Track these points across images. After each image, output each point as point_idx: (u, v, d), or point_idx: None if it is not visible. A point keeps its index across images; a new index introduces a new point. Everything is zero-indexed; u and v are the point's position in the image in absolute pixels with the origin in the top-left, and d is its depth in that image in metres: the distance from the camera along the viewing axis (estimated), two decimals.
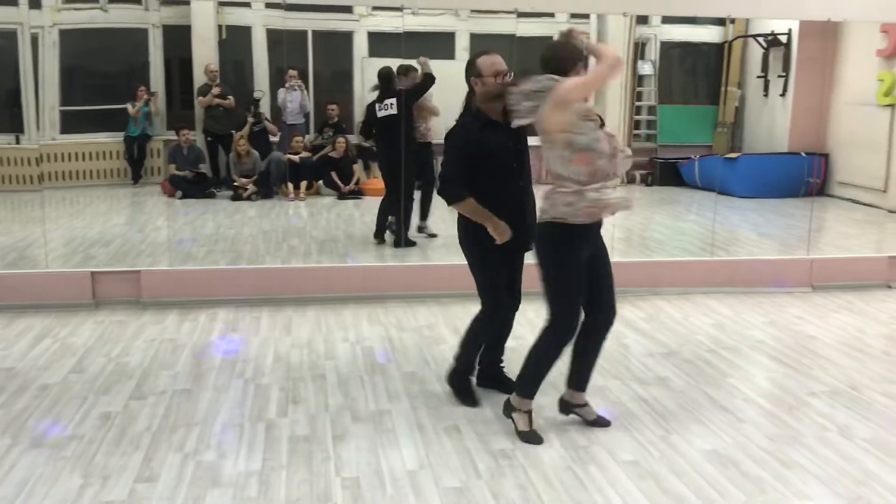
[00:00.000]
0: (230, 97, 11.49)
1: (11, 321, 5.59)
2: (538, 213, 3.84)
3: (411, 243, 8.03)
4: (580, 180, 3.61)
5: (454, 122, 4.15)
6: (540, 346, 3.88)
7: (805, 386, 4.58)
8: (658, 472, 3.52)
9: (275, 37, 11.97)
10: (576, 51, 3.70)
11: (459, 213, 4.04)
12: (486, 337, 4.33)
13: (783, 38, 12.06)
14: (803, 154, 11.61)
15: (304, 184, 10.98)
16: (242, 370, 4.73)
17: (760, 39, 12.65)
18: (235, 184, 10.84)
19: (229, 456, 3.63)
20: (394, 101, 7.85)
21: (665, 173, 12.87)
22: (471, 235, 4.06)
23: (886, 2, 6.96)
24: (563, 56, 3.71)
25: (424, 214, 8.45)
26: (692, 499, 3.30)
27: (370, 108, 8.22)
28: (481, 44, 12.47)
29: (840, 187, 11.65)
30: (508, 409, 3.91)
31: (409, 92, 7.85)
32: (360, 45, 12.56)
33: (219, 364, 4.83)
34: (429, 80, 7.93)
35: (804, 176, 11.25)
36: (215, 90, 11.34)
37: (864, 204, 10.96)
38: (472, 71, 4.01)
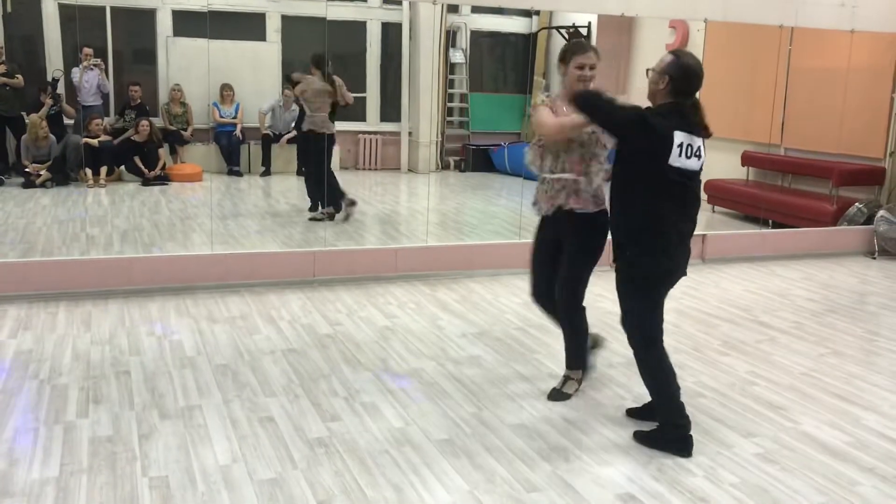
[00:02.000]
0: (19, 76, 10.59)
1: None
2: (568, 203, 4.01)
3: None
4: None
5: None
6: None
7: (604, 359, 4.88)
8: (471, 449, 3.64)
9: (68, 12, 11.15)
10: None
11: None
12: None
13: (584, 31, 12.71)
14: None
15: (104, 169, 10.35)
16: (37, 370, 4.40)
17: (563, 31, 13.26)
18: (27, 170, 10.03)
19: (22, 463, 3.37)
20: None
21: (477, 159, 13.26)
22: None
23: (673, 0, 7.50)
24: None
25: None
26: (503, 472, 3.44)
27: None
28: (293, 26, 12.29)
29: None
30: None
31: None
32: (164, 24, 11.97)
33: (9, 365, 4.46)
34: None
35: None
36: (0, 69, 10.41)
37: None
38: None
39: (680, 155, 3.48)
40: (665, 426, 3.75)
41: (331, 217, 8.51)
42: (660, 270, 3.67)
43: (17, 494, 3.13)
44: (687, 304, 6.20)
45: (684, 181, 3.54)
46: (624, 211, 3.69)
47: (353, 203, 8.66)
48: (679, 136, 3.47)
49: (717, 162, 10.68)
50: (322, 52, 8.32)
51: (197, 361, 4.62)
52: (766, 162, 9.99)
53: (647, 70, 3.69)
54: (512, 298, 6.13)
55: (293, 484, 3.28)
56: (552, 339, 5.26)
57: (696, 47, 10.84)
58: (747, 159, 10.21)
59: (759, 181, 10.13)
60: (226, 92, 11.91)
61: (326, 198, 8.49)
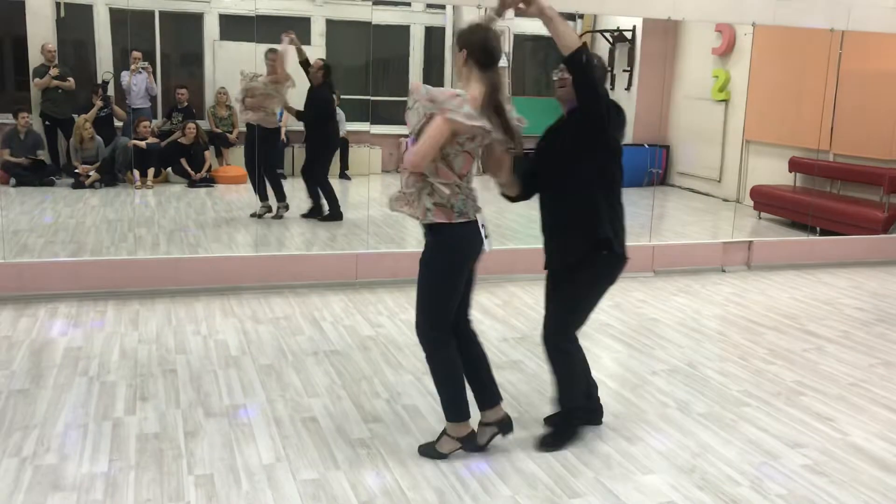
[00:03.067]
0: (70, 79, 10.83)
1: None
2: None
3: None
4: None
5: None
6: None
7: (647, 365, 4.84)
8: (512, 454, 3.62)
9: (119, 16, 11.37)
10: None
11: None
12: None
13: (628, 35, 12.62)
14: (646, 146, 12.22)
15: (151, 171, 10.53)
16: (86, 367, 4.49)
17: (607, 35, 13.18)
18: (77, 171, 10.24)
19: (72, 458, 3.45)
20: None
21: (519, 164, 13.20)
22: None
23: (720, 4, 7.42)
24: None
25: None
26: (544, 478, 3.42)
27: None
28: (337, 30, 12.39)
29: (680, 177, 12.37)
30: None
31: None
32: (211, 28, 12.14)
33: (60, 362, 4.56)
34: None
35: (647, 166, 11.85)
36: (53, 71, 10.64)
37: (702, 193, 11.67)
38: None
39: None
40: (570, 415, 3.77)
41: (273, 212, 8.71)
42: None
43: (67, 488, 3.20)
44: (732, 311, 6.12)
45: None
46: (605, 207, 3.64)
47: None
48: None
49: (763, 167, 10.55)
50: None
51: (241, 361, 4.68)
52: (814, 168, 9.81)
53: (556, 74, 3.55)
54: None
55: (335, 484, 3.30)
56: (593, 344, 5.23)
57: (743, 52, 10.71)
58: (795, 165, 10.04)
59: (807, 187, 9.96)
60: None
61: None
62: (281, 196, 8.73)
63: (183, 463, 3.44)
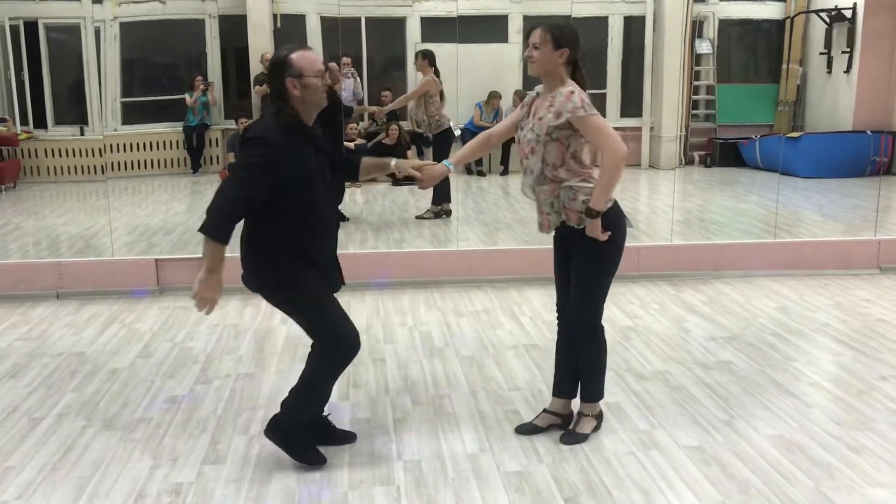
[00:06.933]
0: None
1: (80, 307, 5.76)
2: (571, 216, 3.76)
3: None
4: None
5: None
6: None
7: (874, 370, 4.46)
8: (722, 457, 3.47)
9: (329, 24, 12.04)
10: None
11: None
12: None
13: (847, 14, 11.70)
14: (869, 132, 11.27)
15: None
16: (304, 354, 4.76)
17: (823, 15, 12.29)
18: None
19: None
20: None
21: (725, 154, 12.64)
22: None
23: None
24: None
25: None
26: (758, 484, 3.24)
27: None
28: None
29: None
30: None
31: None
32: (413, 31, 12.56)
33: (280, 349, 4.90)
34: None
35: (870, 155, 10.92)
36: None
37: None
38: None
39: None
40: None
41: (437, 215, 8.59)
42: None
43: (288, 467, 3.43)
44: None
45: None
46: None
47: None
48: None
49: None
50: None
51: (445, 352, 4.80)
52: None
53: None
54: (766, 302, 5.77)
55: (539, 478, 3.31)
56: (811, 345, 4.90)
57: None
58: None
59: None
60: (493, 99, 12.25)
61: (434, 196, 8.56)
62: (436, 199, 8.76)
63: (392, 448, 3.58)
